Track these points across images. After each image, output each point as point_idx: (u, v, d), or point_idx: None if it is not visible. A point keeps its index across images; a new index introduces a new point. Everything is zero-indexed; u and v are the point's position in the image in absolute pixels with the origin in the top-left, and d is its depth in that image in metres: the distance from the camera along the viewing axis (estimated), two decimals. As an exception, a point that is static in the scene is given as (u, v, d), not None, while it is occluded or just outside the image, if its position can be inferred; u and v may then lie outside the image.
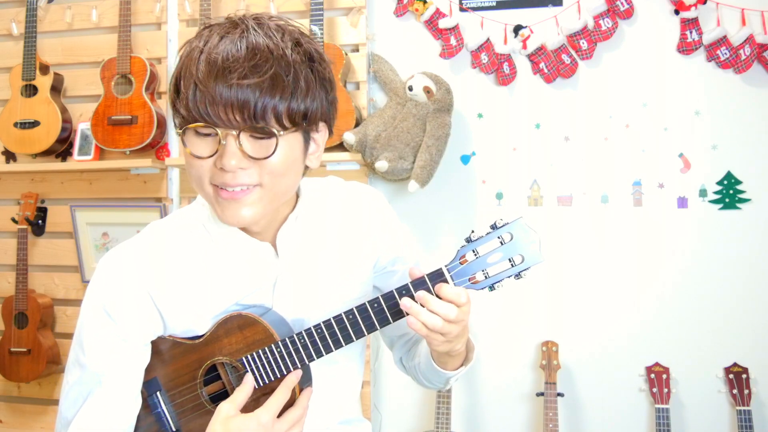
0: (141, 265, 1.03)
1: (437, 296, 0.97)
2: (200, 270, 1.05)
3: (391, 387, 2.51)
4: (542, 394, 2.26)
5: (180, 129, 0.94)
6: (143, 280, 1.03)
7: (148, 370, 1.08)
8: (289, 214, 1.08)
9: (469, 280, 0.98)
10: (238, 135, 0.90)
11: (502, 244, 0.97)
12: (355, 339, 1.02)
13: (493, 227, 0.98)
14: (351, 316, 1.01)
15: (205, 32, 0.94)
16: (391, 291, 1.00)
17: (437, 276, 0.98)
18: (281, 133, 0.91)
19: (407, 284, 0.99)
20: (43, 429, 2.73)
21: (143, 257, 1.04)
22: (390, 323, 1.01)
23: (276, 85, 0.89)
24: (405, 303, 0.97)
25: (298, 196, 1.10)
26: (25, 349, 2.58)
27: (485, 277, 0.97)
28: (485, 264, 0.97)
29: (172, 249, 1.06)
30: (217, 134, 0.91)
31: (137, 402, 1.08)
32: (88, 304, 1.04)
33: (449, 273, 0.98)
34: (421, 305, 0.97)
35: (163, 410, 1.09)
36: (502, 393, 2.43)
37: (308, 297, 1.10)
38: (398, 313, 1.00)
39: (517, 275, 0.98)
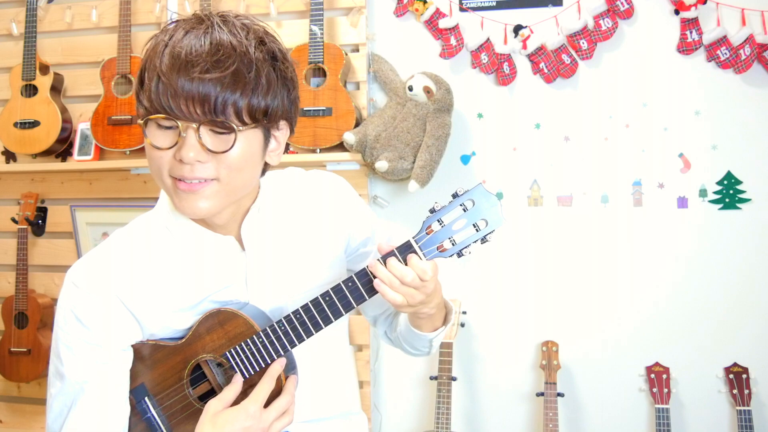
0: (106, 270, 1.05)
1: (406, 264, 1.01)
2: (166, 270, 1.07)
3: (391, 387, 2.51)
4: (542, 394, 2.26)
5: (142, 120, 0.95)
6: (110, 284, 1.04)
7: (134, 376, 1.08)
8: (250, 205, 1.09)
9: (437, 248, 1.01)
10: (198, 128, 0.92)
11: (465, 211, 1.01)
12: (333, 319, 1.04)
13: (455, 196, 1.02)
14: (327, 298, 1.04)
15: (171, 27, 0.95)
16: (364, 269, 1.03)
17: (406, 248, 1.02)
18: (240, 128, 0.93)
19: (378, 259, 1.02)
20: (43, 429, 2.72)
21: (108, 263, 1.06)
22: (365, 300, 1.04)
23: (237, 81, 0.91)
24: (370, 263, 1.02)
25: (259, 188, 1.12)
26: (25, 349, 2.58)
27: (452, 244, 1.01)
28: (451, 232, 1.01)
29: (136, 253, 1.07)
30: (177, 127, 0.92)
31: (125, 408, 1.08)
32: (60, 315, 1.05)
33: (417, 244, 1.01)
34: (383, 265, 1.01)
35: (152, 415, 1.09)
36: (502, 393, 2.43)
37: (282, 286, 1.11)
38: (372, 290, 1.03)
39: (483, 239, 1.01)
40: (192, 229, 1.07)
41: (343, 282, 1.04)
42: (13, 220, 2.64)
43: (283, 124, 1.02)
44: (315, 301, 1.04)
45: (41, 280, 2.72)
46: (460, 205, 1.01)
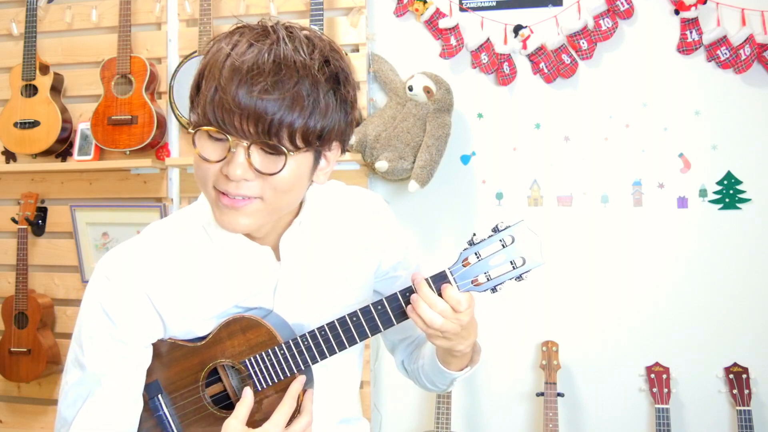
0: (140, 266, 1.04)
1: (440, 295, 0.98)
2: (199, 272, 1.06)
3: (391, 387, 2.51)
4: (542, 394, 2.26)
5: (193, 129, 0.93)
6: (142, 281, 1.03)
7: (150, 372, 1.08)
8: (292, 219, 1.07)
9: (472, 282, 0.99)
10: (249, 147, 0.89)
11: (504, 246, 0.98)
12: (358, 340, 1.03)
13: (495, 230, 0.98)
14: (355, 319, 1.02)
15: (236, 35, 0.92)
16: (395, 293, 1.01)
17: (440, 278, 0.99)
18: (291, 153, 0.90)
19: (410, 287, 1.00)
20: (43, 429, 2.73)
21: (142, 258, 1.04)
22: (393, 325, 1.02)
23: (296, 104, 0.87)
24: (413, 297, 0.99)
25: (302, 201, 1.10)
26: (25, 349, 2.58)
27: (487, 279, 0.99)
28: (487, 266, 0.98)
29: (171, 251, 1.06)
30: (228, 141, 0.90)
31: (138, 404, 1.08)
32: (87, 305, 1.04)
33: (452, 275, 0.99)
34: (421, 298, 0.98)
35: (164, 413, 1.08)
36: (502, 393, 2.43)
37: (309, 301, 1.10)
38: (402, 315, 1.01)
39: (519, 277, 0.99)
40: (230, 236, 1.05)
41: (372, 304, 1.01)
42: (13, 220, 2.64)
43: (335, 144, 0.99)
44: (341, 320, 1.02)
45: (41, 280, 2.72)
46: (500, 240, 0.98)
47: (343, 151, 1.02)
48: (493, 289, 1.00)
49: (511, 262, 0.98)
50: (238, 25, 0.94)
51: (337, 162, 1.04)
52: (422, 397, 2.48)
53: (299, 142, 0.90)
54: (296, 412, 1.03)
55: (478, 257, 0.98)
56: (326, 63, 0.91)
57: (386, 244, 1.17)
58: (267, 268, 1.07)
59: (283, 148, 0.89)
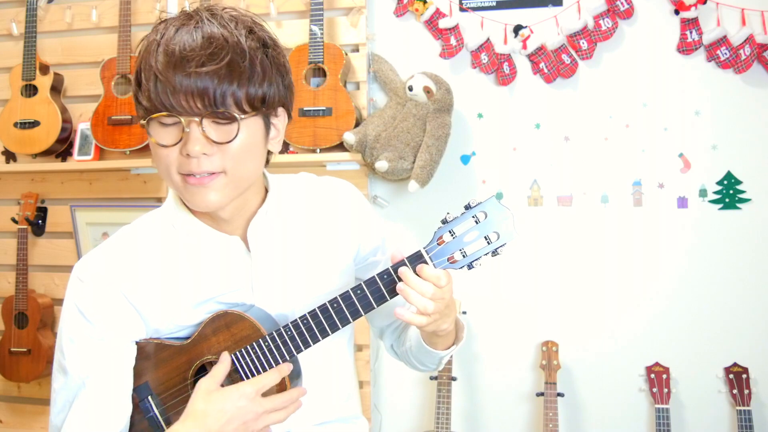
0: (112, 265, 1.05)
1: (418, 276, 0.99)
2: (172, 267, 1.07)
3: (391, 387, 2.51)
4: (542, 394, 2.26)
5: (144, 120, 0.96)
6: (115, 280, 1.04)
7: (138, 375, 1.08)
8: (258, 208, 1.09)
9: (448, 260, 1.01)
10: (201, 121, 0.93)
11: (477, 223, 1.00)
12: (341, 326, 1.04)
13: (467, 207, 1.01)
14: (335, 305, 1.03)
15: (161, 26, 0.97)
16: (373, 277, 1.02)
17: (416, 258, 1.01)
18: (242, 117, 0.94)
19: (388, 269, 1.01)
20: (43, 429, 2.73)
21: (114, 258, 1.06)
22: (374, 308, 1.03)
23: (233, 71, 0.92)
24: (399, 286, 1.00)
25: (267, 190, 1.11)
26: (25, 349, 2.58)
27: (463, 256, 1.01)
28: (462, 243, 1.00)
29: (142, 249, 1.07)
30: (180, 123, 0.94)
31: (127, 403, 1.07)
32: (65, 310, 1.06)
33: (428, 254, 1.01)
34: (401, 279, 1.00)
35: (155, 414, 1.09)
36: (502, 393, 2.43)
37: (288, 291, 1.11)
38: (381, 298, 1.02)
39: (494, 252, 1.01)
40: (197, 227, 1.07)
41: (351, 289, 1.03)
42: (13, 220, 2.64)
43: (280, 110, 1.04)
44: (322, 307, 1.03)
45: (41, 280, 2.72)
46: (473, 216, 1.00)
47: (290, 116, 1.07)
48: (470, 266, 1.01)
49: (485, 237, 1.00)
50: (161, 19, 0.99)
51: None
52: (422, 397, 2.48)
53: (246, 107, 0.95)
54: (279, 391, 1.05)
55: (452, 235, 1.00)
56: (251, 32, 0.97)
57: (362, 229, 1.19)
58: (239, 260, 1.08)
59: (234, 114, 0.94)
